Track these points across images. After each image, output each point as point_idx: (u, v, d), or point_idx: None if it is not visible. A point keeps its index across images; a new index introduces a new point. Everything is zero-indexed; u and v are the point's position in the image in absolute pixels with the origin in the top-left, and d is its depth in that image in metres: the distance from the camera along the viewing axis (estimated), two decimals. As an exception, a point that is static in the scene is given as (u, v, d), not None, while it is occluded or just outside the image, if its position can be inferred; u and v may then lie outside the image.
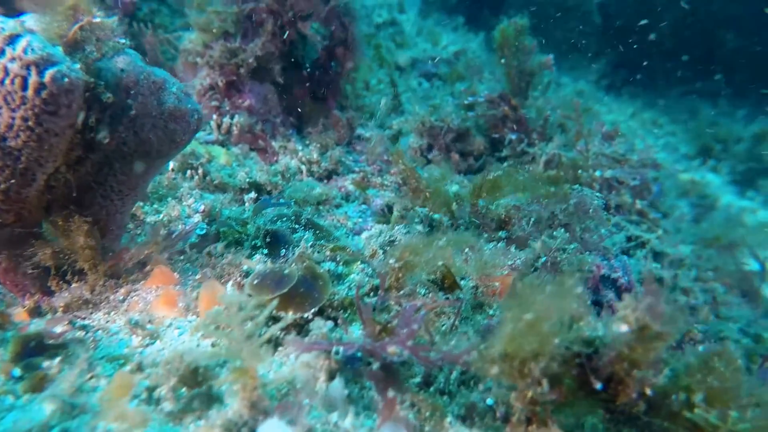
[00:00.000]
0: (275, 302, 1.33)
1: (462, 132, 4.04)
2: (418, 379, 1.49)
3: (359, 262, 1.69)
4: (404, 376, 1.49)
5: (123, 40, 1.64)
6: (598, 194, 2.40)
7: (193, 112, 1.79)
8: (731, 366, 1.17)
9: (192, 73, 3.61)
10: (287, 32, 3.46)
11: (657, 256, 3.28)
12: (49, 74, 1.40)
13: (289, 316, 1.53)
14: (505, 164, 3.99)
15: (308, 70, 3.69)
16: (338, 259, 1.70)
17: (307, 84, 3.74)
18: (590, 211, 2.33)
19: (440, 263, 1.53)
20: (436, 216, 2.68)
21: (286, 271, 1.56)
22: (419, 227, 2.41)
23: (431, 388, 1.49)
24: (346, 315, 1.60)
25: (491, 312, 1.82)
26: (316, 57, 3.64)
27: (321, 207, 3.32)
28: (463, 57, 6.05)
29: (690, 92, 8.26)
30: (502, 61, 4.17)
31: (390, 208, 3.31)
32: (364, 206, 3.44)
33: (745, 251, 4.73)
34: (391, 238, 1.97)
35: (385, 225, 3.04)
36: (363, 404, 1.41)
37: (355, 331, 1.55)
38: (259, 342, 1.32)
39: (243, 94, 3.62)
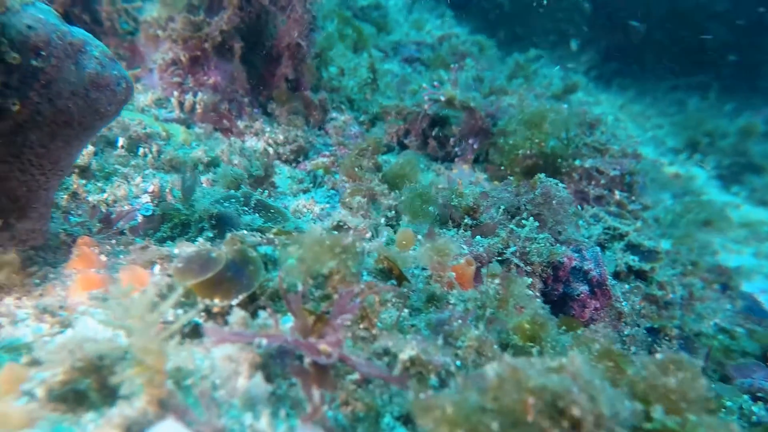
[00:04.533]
0: (180, 288, 1.17)
1: (439, 119, 3.89)
2: (356, 375, 1.35)
3: (297, 247, 1.53)
4: (340, 371, 1.35)
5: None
6: (562, 186, 2.28)
7: (120, 80, 1.62)
8: (689, 374, 1.05)
9: (154, 47, 3.40)
10: (252, 5, 3.27)
11: (635, 248, 3.17)
12: (-67, 24, 1.23)
13: (215, 303, 1.38)
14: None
15: (272, 47, 3.49)
16: (276, 243, 1.54)
17: (274, 61, 3.55)
18: (554, 202, 2.20)
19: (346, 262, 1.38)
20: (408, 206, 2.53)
21: (214, 255, 1.40)
22: (383, 218, 2.26)
23: (370, 385, 1.35)
24: (279, 304, 1.45)
25: (451, 300, 1.68)
26: (275, 32, 3.44)
27: (288, 191, 3.16)
28: (447, 42, 5.87)
29: (679, 85, 8.17)
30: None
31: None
32: (332, 191, 3.29)
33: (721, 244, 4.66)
34: (340, 222, 1.82)
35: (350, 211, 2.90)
36: (291, 402, 1.26)
37: (288, 322, 1.41)
38: (168, 332, 1.17)
39: (208, 70, 3.42)
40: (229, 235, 1.48)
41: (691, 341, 2.91)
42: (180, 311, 1.35)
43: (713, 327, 3.04)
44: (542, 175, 2.36)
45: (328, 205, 3.11)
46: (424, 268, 1.71)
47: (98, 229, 1.99)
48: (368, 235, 1.82)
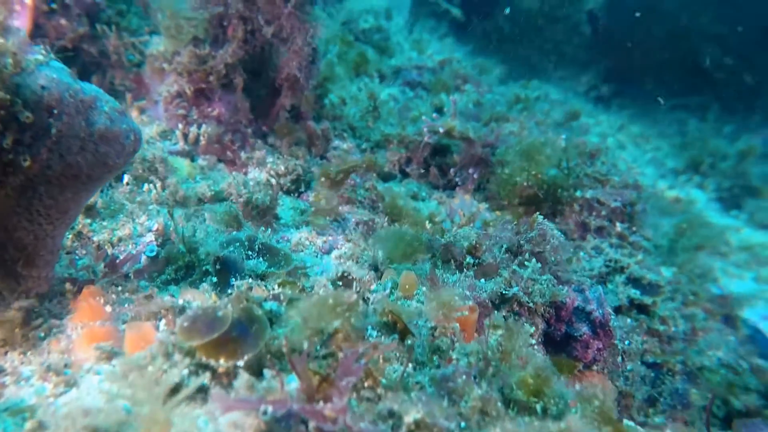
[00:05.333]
0: (186, 359, 1.18)
1: (440, 147, 3.92)
2: (360, 437, 1.35)
3: (301, 306, 1.54)
4: (345, 433, 1.35)
5: (39, 49, 1.48)
6: (558, 232, 2.30)
7: (128, 133, 1.64)
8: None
9: (159, 79, 3.45)
10: (256, 38, 3.32)
11: (637, 281, 3.17)
12: (-51, 93, 1.25)
13: (221, 363, 1.39)
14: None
15: (274, 78, 3.53)
16: (282, 299, 1.55)
17: (277, 92, 3.59)
18: (548, 247, 2.22)
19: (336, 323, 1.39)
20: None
21: (220, 314, 1.41)
22: (381, 253, 2.28)
23: (374, 448, 1.35)
24: (285, 362, 1.46)
25: (454, 356, 1.68)
26: (278, 64, 3.48)
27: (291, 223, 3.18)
28: (448, 66, 5.94)
29: (678, 106, 8.24)
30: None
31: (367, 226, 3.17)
32: (335, 224, 3.30)
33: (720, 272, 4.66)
34: (344, 273, 1.84)
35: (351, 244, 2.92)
36: (294, 468, 1.26)
37: (293, 382, 1.41)
38: (175, 402, 1.18)
39: (212, 102, 3.46)
40: (234, 291, 1.49)
41: (695, 376, 2.90)
42: (185, 371, 1.35)
43: (716, 361, 3.03)
44: (540, 217, 2.38)
45: (330, 238, 3.12)
46: (422, 317, 1.71)
47: (103, 274, 2.00)
48: (372, 286, 1.83)
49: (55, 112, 1.50)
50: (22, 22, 2.83)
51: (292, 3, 3.33)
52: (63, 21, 3.12)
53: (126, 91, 3.51)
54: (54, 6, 3.03)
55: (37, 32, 3.00)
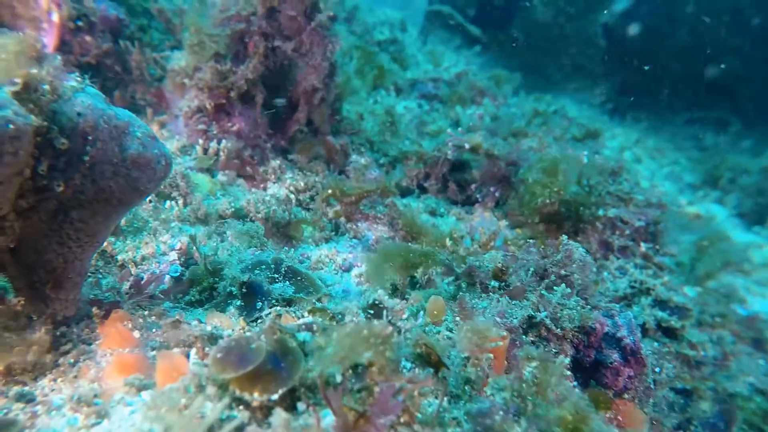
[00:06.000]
0: (221, 394, 1.15)
1: (459, 163, 3.89)
2: (397, 477, 1.31)
3: (335, 337, 1.51)
4: (381, 472, 1.30)
5: (74, 75, 1.48)
6: (584, 249, 2.25)
7: (160, 158, 1.63)
8: None
9: (180, 94, 3.46)
10: (276, 54, 3.33)
11: (663, 303, 3.10)
12: (-11, 121, 1.24)
13: (255, 397, 1.35)
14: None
15: (292, 92, 3.52)
16: (315, 329, 1.52)
17: (295, 107, 3.58)
18: (574, 266, 2.16)
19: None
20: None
21: (253, 346, 1.38)
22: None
23: (411, 489, 1.30)
24: (318, 398, 1.42)
25: (487, 390, 1.64)
26: (296, 79, 3.48)
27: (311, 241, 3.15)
28: (464, 79, 5.92)
29: (695, 120, 8.14)
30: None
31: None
32: (354, 240, 3.27)
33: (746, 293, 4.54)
34: (375, 301, 1.80)
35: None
36: None
37: (328, 416, 1.37)
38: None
39: (232, 117, 3.46)
40: (266, 321, 1.46)
41: (727, 404, 2.81)
42: (219, 406, 1.32)
43: (749, 387, 2.93)
44: (565, 238, 2.33)
45: (350, 255, 3.09)
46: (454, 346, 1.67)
47: (128, 295, 1.98)
48: (405, 315, 1.79)
49: (90, 138, 1.49)
50: (49, 39, 2.86)
51: (315, 21, 3.33)
52: (88, 38, 3.15)
53: (147, 106, 3.53)
54: (80, 23, 3.06)
55: (63, 48, 3.03)
